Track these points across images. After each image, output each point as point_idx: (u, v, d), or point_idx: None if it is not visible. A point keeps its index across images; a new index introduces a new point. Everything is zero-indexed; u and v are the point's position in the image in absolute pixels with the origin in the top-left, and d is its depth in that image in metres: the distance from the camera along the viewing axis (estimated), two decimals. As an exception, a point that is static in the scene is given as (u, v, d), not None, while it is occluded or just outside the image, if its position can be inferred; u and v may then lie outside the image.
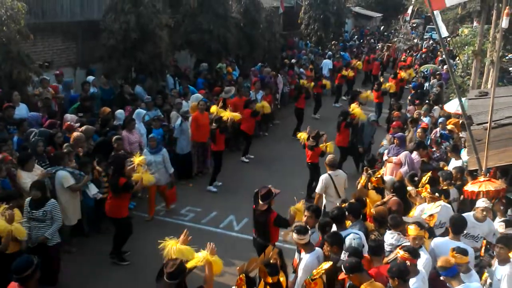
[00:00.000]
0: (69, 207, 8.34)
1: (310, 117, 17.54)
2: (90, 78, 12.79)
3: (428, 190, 7.42)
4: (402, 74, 19.57)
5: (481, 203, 7.05)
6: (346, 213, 6.83)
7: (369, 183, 8.38)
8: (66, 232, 8.53)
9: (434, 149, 10.86)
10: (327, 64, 22.76)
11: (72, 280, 7.86)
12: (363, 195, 8.00)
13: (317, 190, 8.99)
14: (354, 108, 12.84)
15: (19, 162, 8.03)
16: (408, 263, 5.48)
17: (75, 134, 9.25)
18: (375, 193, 8.15)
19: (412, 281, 5.31)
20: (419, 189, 7.89)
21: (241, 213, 10.29)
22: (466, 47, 18.52)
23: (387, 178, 8.63)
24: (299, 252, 6.39)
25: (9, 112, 9.57)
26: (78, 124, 9.91)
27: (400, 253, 5.66)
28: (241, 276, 5.06)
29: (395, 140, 10.67)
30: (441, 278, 5.42)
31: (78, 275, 8.00)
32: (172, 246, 5.49)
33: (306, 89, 16.63)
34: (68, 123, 9.89)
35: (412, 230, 6.03)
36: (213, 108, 11.84)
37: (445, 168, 9.11)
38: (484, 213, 6.94)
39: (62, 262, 7.97)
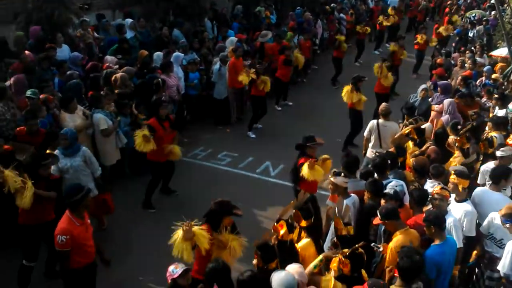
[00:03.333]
0: (106, 148, 8.54)
1: (350, 64, 17.10)
2: (128, 20, 12.74)
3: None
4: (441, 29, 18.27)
5: None
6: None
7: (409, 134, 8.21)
8: (106, 173, 8.80)
9: (485, 99, 10.46)
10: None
11: (115, 221, 8.14)
12: (403, 143, 7.87)
13: (364, 133, 9.05)
14: (394, 47, 12.38)
15: (61, 104, 8.19)
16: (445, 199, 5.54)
17: (120, 74, 9.29)
18: (412, 145, 8.02)
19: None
20: (458, 138, 7.69)
21: (277, 159, 10.33)
22: (517, -9, 17.47)
23: (425, 125, 8.43)
24: (332, 200, 6.45)
25: (51, 53, 9.66)
26: (117, 66, 9.97)
27: (434, 190, 5.64)
28: (281, 222, 5.13)
29: (439, 88, 10.35)
30: (507, 225, 5.33)
31: (121, 215, 8.27)
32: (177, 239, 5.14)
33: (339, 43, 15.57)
34: (108, 64, 9.97)
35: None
36: (243, 77, 11.14)
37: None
38: None
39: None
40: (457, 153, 7.50)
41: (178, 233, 5.13)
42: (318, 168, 7.00)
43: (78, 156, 7.07)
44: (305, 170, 6.99)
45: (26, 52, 9.33)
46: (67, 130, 7.14)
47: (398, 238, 5.14)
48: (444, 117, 9.23)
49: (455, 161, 7.28)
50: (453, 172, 6.08)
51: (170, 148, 8.19)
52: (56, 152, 6.98)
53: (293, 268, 4.46)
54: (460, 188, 5.91)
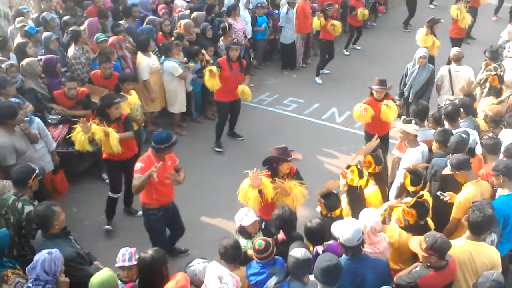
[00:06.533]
0: (177, 96, 8.78)
1: (425, 6, 16.14)
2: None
3: None
4: None
5: None
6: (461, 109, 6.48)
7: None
8: (176, 117, 9.07)
9: None
10: None
11: (182, 163, 8.40)
12: (472, 90, 7.49)
13: (435, 79, 8.68)
14: None
15: (139, 46, 8.43)
16: None
17: (184, 21, 9.32)
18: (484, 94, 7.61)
19: None
20: None
21: (343, 106, 10.17)
22: None
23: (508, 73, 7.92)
24: (398, 149, 6.35)
25: (123, -1, 9.87)
26: (188, 11, 10.00)
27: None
28: (351, 168, 5.10)
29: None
30: None
31: (188, 156, 8.53)
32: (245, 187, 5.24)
33: None
34: (179, 9, 10.03)
35: None
36: (316, 23, 10.79)
37: None
38: None
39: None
40: None
41: (246, 181, 5.22)
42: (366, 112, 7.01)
43: (33, 128, 6.21)
44: (354, 109, 7.16)
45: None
46: (24, 100, 6.53)
47: (468, 190, 5.00)
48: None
49: None
50: None
51: (241, 88, 8.27)
52: None
53: (369, 214, 4.45)
54: None
